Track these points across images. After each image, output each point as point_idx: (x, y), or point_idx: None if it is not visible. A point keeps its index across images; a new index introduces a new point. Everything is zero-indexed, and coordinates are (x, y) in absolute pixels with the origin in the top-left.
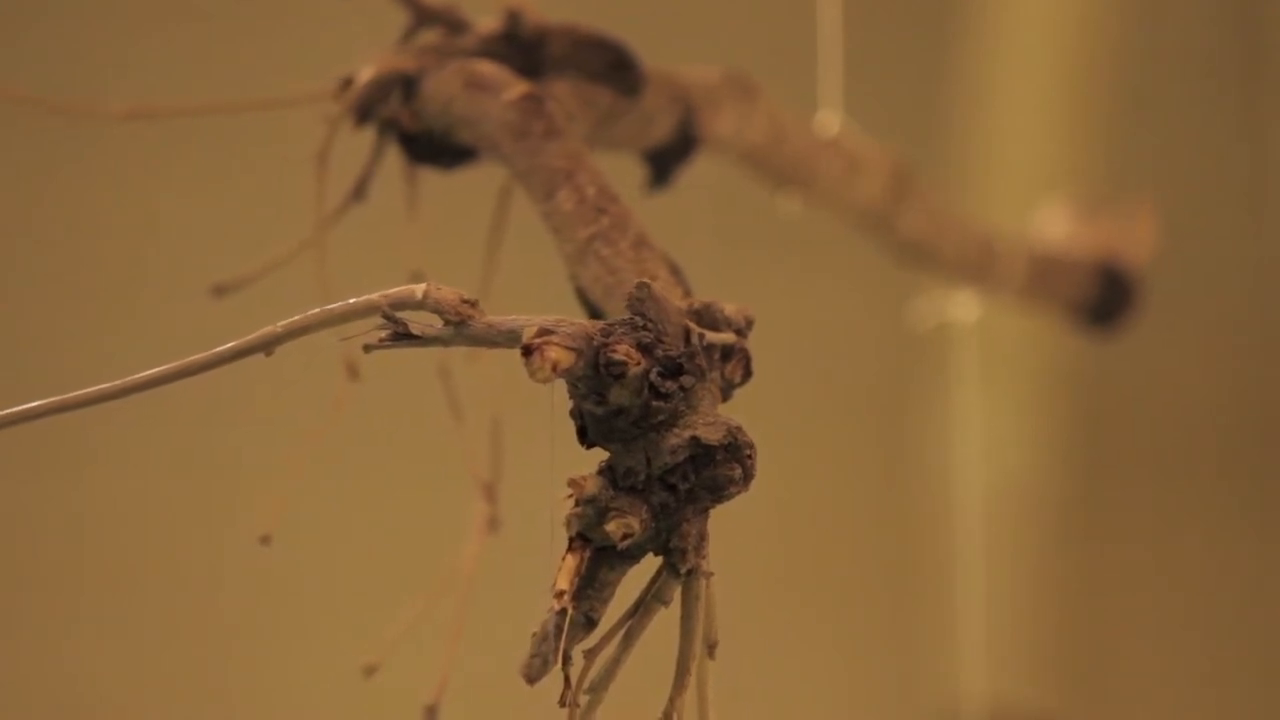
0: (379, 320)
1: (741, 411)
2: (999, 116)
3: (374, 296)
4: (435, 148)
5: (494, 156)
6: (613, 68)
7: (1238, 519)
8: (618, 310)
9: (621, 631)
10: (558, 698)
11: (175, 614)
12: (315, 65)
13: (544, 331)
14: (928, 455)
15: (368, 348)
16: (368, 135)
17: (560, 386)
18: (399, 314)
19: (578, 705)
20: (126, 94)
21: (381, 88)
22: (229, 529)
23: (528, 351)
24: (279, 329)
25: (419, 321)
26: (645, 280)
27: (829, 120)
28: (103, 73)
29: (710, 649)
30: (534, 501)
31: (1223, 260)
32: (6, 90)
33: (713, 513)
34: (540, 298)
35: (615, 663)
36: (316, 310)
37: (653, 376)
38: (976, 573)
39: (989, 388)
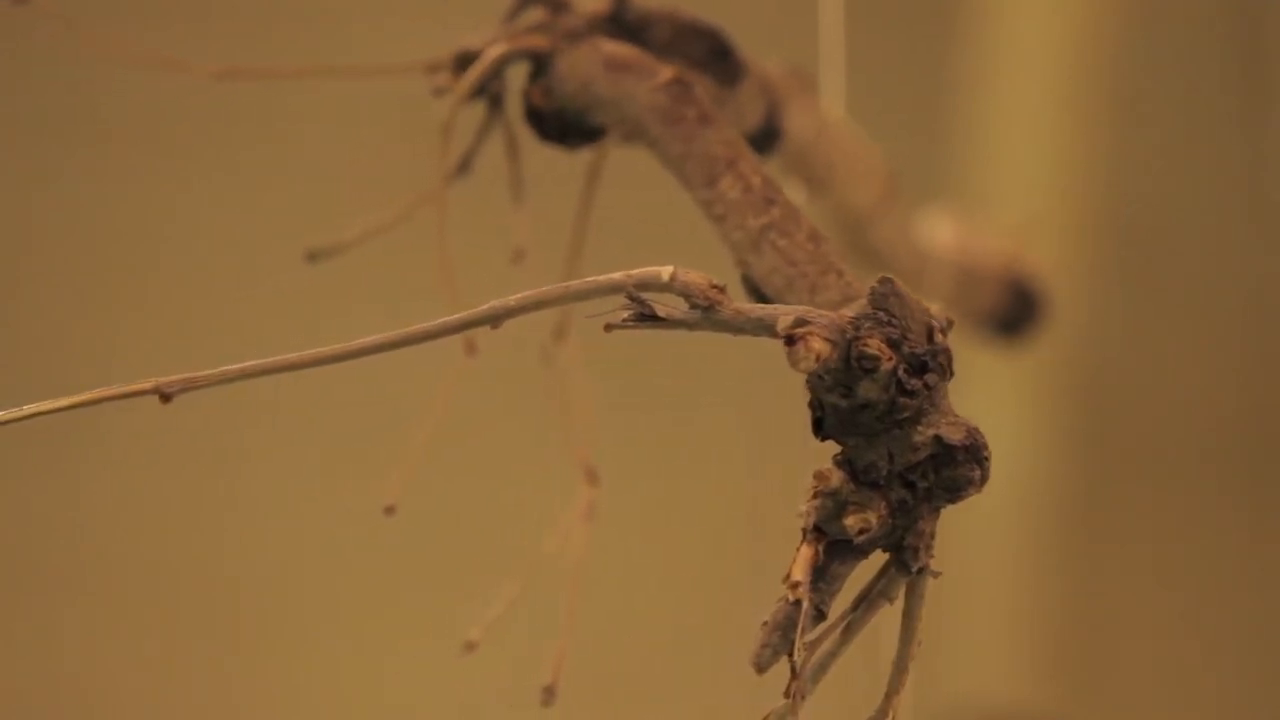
0: (622, 300)
1: (711, 412)
2: (999, 115)
3: (618, 276)
4: (565, 127)
5: (636, 140)
6: (714, 55)
7: (1237, 519)
8: (798, 303)
9: (842, 626)
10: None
11: (277, 591)
12: (390, 41)
13: (802, 321)
14: None
15: (609, 327)
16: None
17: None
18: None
19: (802, 697)
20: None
21: (506, 64)
22: (343, 503)
23: (791, 341)
24: (512, 302)
25: (664, 304)
26: (889, 275)
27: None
28: (191, 33)
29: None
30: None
31: (1222, 259)
32: (99, 45)
33: (675, 518)
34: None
35: (832, 656)
36: (555, 285)
37: (900, 373)
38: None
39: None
